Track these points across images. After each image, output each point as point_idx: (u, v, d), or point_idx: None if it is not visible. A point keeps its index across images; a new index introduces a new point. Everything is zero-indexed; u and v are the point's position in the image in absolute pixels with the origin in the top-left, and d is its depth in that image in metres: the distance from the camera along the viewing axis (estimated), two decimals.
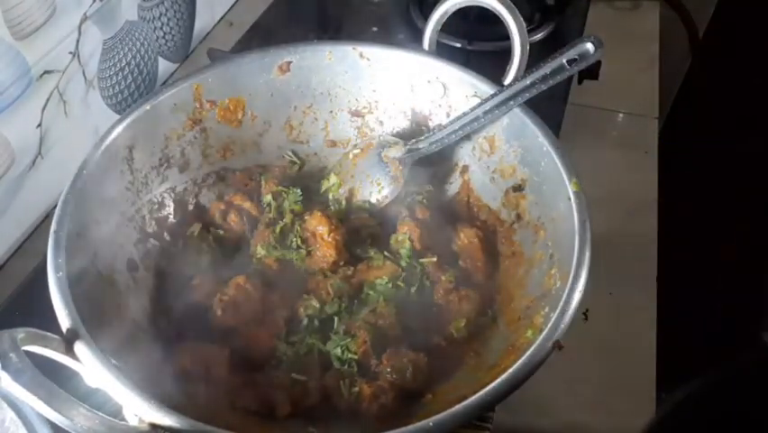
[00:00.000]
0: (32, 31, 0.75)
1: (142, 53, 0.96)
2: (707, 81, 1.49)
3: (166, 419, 0.47)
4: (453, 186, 0.77)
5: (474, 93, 0.72)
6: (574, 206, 0.59)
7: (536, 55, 0.68)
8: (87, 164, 0.62)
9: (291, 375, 0.60)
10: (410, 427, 0.47)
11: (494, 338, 0.63)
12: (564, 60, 0.66)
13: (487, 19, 0.72)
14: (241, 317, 0.63)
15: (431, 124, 0.77)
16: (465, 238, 0.70)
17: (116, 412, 0.50)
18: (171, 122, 0.71)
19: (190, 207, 0.74)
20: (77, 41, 0.82)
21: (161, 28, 1.00)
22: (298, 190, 0.73)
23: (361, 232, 0.71)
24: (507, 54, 0.69)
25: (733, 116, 1.55)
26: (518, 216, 0.69)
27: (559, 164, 0.63)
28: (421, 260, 0.69)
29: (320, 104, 0.79)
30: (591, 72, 0.99)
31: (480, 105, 0.70)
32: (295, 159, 0.80)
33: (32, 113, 0.78)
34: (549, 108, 0.72)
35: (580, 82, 1.03)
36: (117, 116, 0.68)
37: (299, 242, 0.69)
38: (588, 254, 0.56)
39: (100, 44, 0.87)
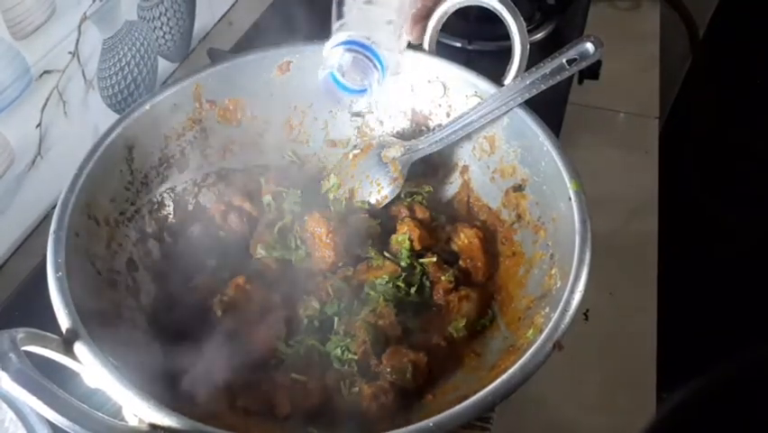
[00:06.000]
0: (31, 30, 0.75)
1: (142, 53, 0.96)
2: (707, 81, 1.49)
3: (166, 420, 0.47)
4: (453, 186, 0.77)
5: (474, 93, 0.72)
6: (575, 205, 0.59)
7: (537, 55, 0.68)
8: (87, 164, 0.62)
9: (291, 375, 0.60)
10: (410, 427, 0.46)
11: (494, 338, 0.63)
12: (564, 60, 0.66)
13: (487, 19, 0.72)
14: (241, 318, 0.63)
15: (431, 124, 0.77)
16: (465, 238, 0.70)
17: (116, 413, 0.50)
18: (171, 122, 0.71)
19: (190, 207, 0.74)
20: (77, 41, 0.82)
21: (161, 28, 1.00)
22: (298, 191, 0.73)
23: (361, 232, 0.71)
24: (507, 54, 0.69)
25: (733, 116, 1.55)
26: (518, 216, 0.69)
27: (559, 164, 0.63)
28: (421, 260, 0.69)
29: (320, 104, 0.79)
30: (592, 72, 0.99)
31: (480, 104, 0.70)
32: (295, 159, 0.80)
33: (31, 113, 0.78)
34: (549, 108, 0.72)
35: (580, 82, 1.03)
36: (117, 116, 0.68)
37: (299, 242, 0.69)
38: (588, 254, 0.56)
39: (100, 44, 0.87)
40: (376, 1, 0.67)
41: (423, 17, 0.69)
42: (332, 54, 0.66)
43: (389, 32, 0.67)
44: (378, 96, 0.76)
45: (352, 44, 0.64)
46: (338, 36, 0.65)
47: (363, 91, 0.67)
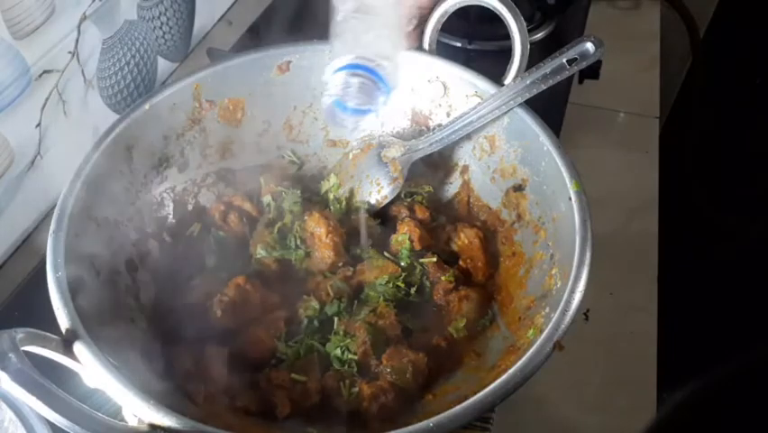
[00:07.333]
0: (31, 30, 0.75)
1: (142, 53, 0.96)
2: (707, 81, 1.49)
3: (165, 420, 0.46)
4: (453, 186, 0.77)
5: (474, 92, 0.72)
6: (575, 205, 0.59)
7: (537, 54, 0.68)
8: (86, 164, 0.62)
9: (291, 375, 0.60)
10: (410, 427, 0.46)
11: (494, 338, 0.63)
12: (565, 60, 0.66)
13: (487, 18, 0.72)
14: (240, 318, 0.63)
15: (431, 124, 0.77)
16: (465, 238, 0.70)
17: (116, 413, 0.50)
18: (171, 122, 0.71)
19: (190, 208, 0.74)
20: (77, 41, 0.82)
21: (161, 27, 1.00)
22: (298, 191, 0.73)
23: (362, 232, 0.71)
24: (507, 54, 0.69)
25: (733, 116, 1.55)
26: (519, 216, 0.69)
27: (560, 164, 0.63)
28: (421, 260, 0.69)
29: (320, 103, 0.78)
30: (592, 72, 0.99)
31: (480, 104, 0.70)
32: (294, 159, 0.80)
33: (31, 112, 0.78)
34: (549, 108, 0.72)
35: (580, 82, 1.03)
36: (116, 116, 0.68)
37: (298, 242, 0.69)
38: (588, 254, 0.56)
39: (99, 44, 0.87)
40: (368, 9, 0.63)
41: (419, 23, 0.67)
42: (334, 80, 0.61)
43: (385, 41, 0.63)
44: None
45: (355, 68, 0.60)
46: (340, 60, 0.61)
47: (368, 111, 0.62)
